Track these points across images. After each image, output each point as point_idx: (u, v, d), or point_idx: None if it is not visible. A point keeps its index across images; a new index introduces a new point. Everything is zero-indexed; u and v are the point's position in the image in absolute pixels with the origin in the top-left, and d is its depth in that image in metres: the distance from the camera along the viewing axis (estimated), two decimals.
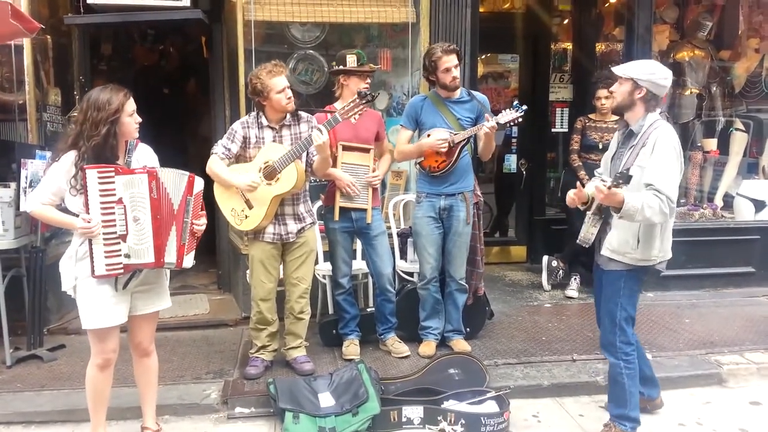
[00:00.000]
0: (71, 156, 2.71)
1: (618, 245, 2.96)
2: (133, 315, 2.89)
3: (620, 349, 3.03)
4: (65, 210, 2.78)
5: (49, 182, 2.76)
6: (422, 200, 3.98)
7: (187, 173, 2.84)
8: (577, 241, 3.09)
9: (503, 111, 3.77)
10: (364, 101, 3.47)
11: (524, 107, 3.74)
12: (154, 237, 2.72)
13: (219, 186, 3.61)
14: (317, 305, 4.50)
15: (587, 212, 3.06)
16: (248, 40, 4.60)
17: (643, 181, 2.82)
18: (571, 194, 3.07)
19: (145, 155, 2.91)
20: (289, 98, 3.54)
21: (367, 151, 3.91)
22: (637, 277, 3.02)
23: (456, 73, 3.82)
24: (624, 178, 2.65)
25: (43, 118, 4.72)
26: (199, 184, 2.87)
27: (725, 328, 4.52)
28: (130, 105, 2.77)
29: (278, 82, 3.49)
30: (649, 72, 2.94)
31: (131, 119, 2.78)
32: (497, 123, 3.70)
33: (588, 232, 3.02)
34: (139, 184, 2.69)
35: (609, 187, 2.66)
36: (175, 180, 2.80)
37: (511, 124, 3.77)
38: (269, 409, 3.41)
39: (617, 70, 3.02)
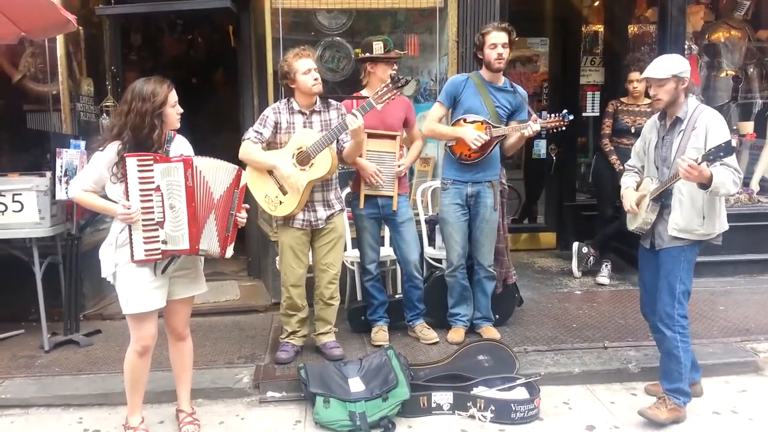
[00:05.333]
0: (115, 146, 2.77)
1: (686, 224, 3.04)
2: (170, 300, 2.95)
3: (678, 322, 3.10)
4: (106, 197, 2.85)
5: (91, 170, 2.83)
6: (449, 187, 3.95)
7: (236, 167, 2.88)
8: (631, 229, 3.21)
9: (550, 115, 3.78)
10: (397, 86, 3.46)
11: (571, 117, 3.72)
12: (189, 224, 2.76)
13: (252, 173, 3.63)
14: (346, 292, 4.52)
15: (642, 201, 3.16)
16: (276, 29, 4.61)
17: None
18: (631, 203, 3.19)
19: (181, 146, 2.96)
20: (316, 80, 3.55)
21: (393, 138, 3.90)
22: (696, 251, 3.13)
23: (502, 51, 3.75)
24: (725, 150, 2.72)
25: (77, 108, 4.80)
26: (245, 177, 2.94)
27: (761, 315, 4.42)
28: (173, 96, 2.83)
29: (303, 64, 3.51)
30: (682, 62, 3.08)
31: (174, 110, 2.83)
32: (542, 127, 3.72)
33: (647, 218, 3.13)
34: (175, 172, 2.74)
35: (700, 163, 2.76)
36: (219, 171, 2.84)
37: (554, 130, 3.79)
38: (300, 393, 3.45)
39: (657, 73, 3.05)
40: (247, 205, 2.98)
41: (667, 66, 3.06)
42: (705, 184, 2.84)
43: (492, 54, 3.75)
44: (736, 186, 2.94)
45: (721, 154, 2.74)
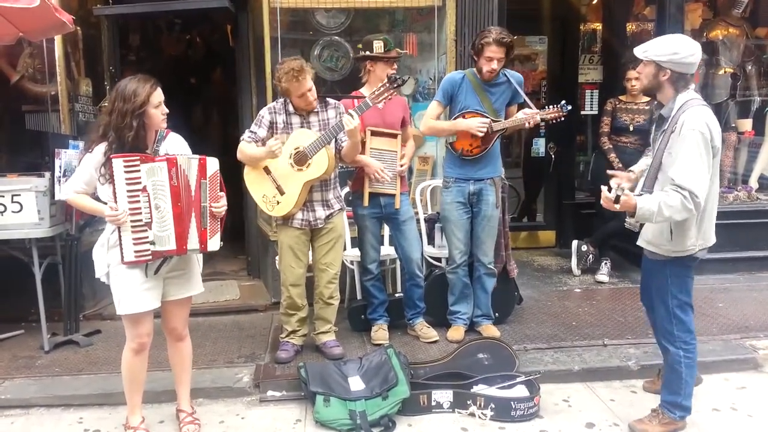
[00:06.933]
0: (102, 147, 2.76)
1: (652, 237, 2.90)
2: (166, 300, 2.95)
3: (678, 337, 2.93)
4: (98, 199, 2.84)
5: (81, 172, 2.83)
6: (451, 185, 3.96)
7: (197, 156, 2.82)
8: (625, 225, 3.01)
9: (548, 107, 3.78)
10: (394, 85, 3.46)
11: (569, 107, 3.72)
12: (175, 224, 2.74)
13: (250, 173, 3.64)
14: (346, 291, 4.52)
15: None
16: (274, 28, 4.61)
17: (668, 174, 2.73)
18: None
19: (175, 145, 2.93)
20: (312, 100, 3.52)
21: (394, 136, 3.90)
22: (682, 265, 2.90)
23: (496, 66, 3.73)
24: (616, 200, 2.63)
25: (75, 108, 4.80)
26: (212, 165, 2.84)
27: (761, 313, 4.43)
28: (157, 96, 2.78)
29: (297, 88, 3.47)
30: (672, 51, 2.76)
31: (157, 110, 2.79)
32: (541, 119, 3.73)
33: (629, 219, 2.91)
34: (159, 171, 2.72)
35: (615, 200, 2.62)
36: (188, 165, 2.79)
37: (554, 121, 3.77)
38: (300, 392, 3.45)
39: (638, 51, 2.87)
40: (222, 193, 2.90)
41: (651, 48, 2.81)
42: (633, 213, 2.68)
43: (485, 66, 3.75)
44: (687, 211, 2.65)
45: (616, 199, 2.60)
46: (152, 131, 2.85)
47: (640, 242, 2.96)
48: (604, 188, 2.72)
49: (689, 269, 2.94)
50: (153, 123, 2.81)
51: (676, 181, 2.66)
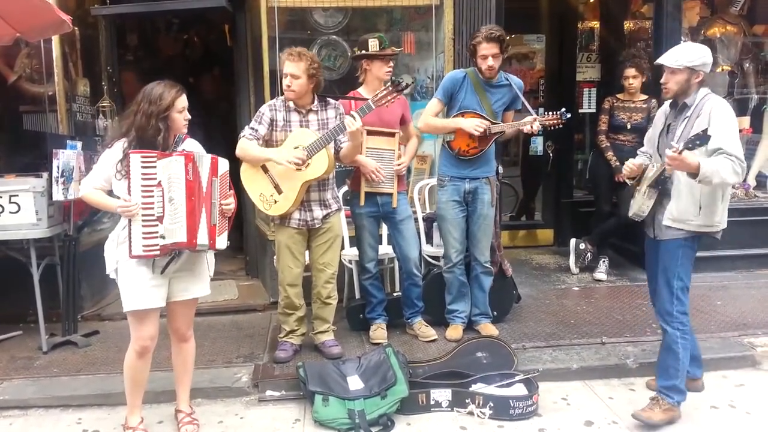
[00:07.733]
0: (121, 143, 2.82)
1: (679, 214, 3.00)
2: (171, 301, 2.96)
3: (677, 318, 3.06)
4: (113, 195, 2.88)
5: (100, 168, 2.88)
6: (446, 184, 3.96)
7: (209, 155, 2.90)
8: (629, 215, 3.13)
9: (547, 113, 3.81)
10: (397, 89, 3.47)
11: (568, 115, 3.75)
12: (188, 217, 2.77)
13: (247, 170, 3.63)
14: (344, 290, 4.52)
15: (637, 186, 3.11)
16: (272, 27, 4.61)
17: (709, 147, 2.83)
18: (629, 164, 3.13)
19: (191, 149, 2.96)
20: (287, 86, 3.53)
21: (392, 135, 3.90)
22: (693, 246, 3.07)
23: (493, 62, 3.74)
24: (702, 139, 2.67)
25: (73, 108, 4.81)
26: (223, 165, 2.93)
27: (759, 310, 4.43)
28: (181, 102, 2.86)
29: (285, 67, 3.53)
30: (701, 55, 3.00)
31: (180, 115, 2.87)
32: (540, 124, 3.75)
33: (643, 204, 3.07)
34: (175, 165, 2.77)
35: (680, 151, 2.69)
36: (201, 162, 2.85)
37: (552, 128, 3.80)
38: (299, 392, 3.45)
39: (668, 61, 3.01)
40: (231, 192, 2.97)
41: (682, 56, 2.99)
42: (694, 174, 2.78)
43: (482, 65, 3.77)
44: (736, 176, 2.84)
45: (698, 142, 2.67)
46: (172, 134, 2.91)
47: (665, 221, 3.03)
48: (668, 151, 2.77)
49: (695, 252, 3.08)
50: (175, 127, 2.88)
51: (725, 149, 2.83)
